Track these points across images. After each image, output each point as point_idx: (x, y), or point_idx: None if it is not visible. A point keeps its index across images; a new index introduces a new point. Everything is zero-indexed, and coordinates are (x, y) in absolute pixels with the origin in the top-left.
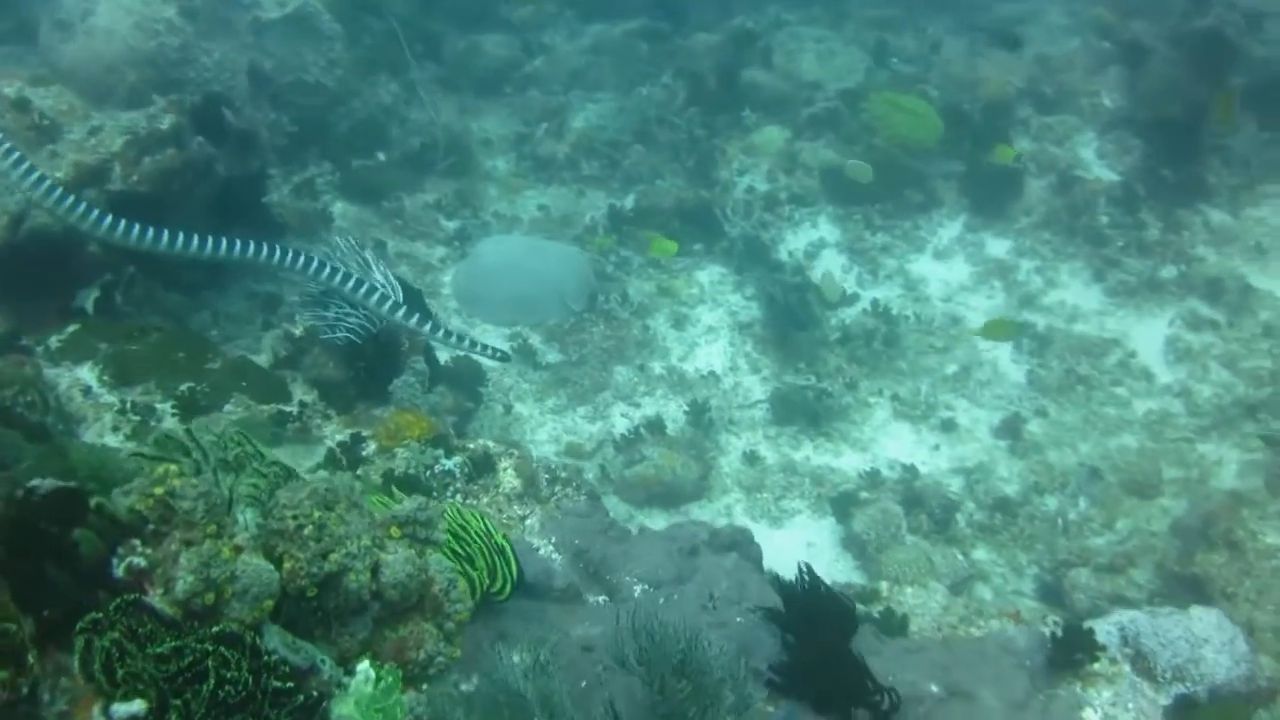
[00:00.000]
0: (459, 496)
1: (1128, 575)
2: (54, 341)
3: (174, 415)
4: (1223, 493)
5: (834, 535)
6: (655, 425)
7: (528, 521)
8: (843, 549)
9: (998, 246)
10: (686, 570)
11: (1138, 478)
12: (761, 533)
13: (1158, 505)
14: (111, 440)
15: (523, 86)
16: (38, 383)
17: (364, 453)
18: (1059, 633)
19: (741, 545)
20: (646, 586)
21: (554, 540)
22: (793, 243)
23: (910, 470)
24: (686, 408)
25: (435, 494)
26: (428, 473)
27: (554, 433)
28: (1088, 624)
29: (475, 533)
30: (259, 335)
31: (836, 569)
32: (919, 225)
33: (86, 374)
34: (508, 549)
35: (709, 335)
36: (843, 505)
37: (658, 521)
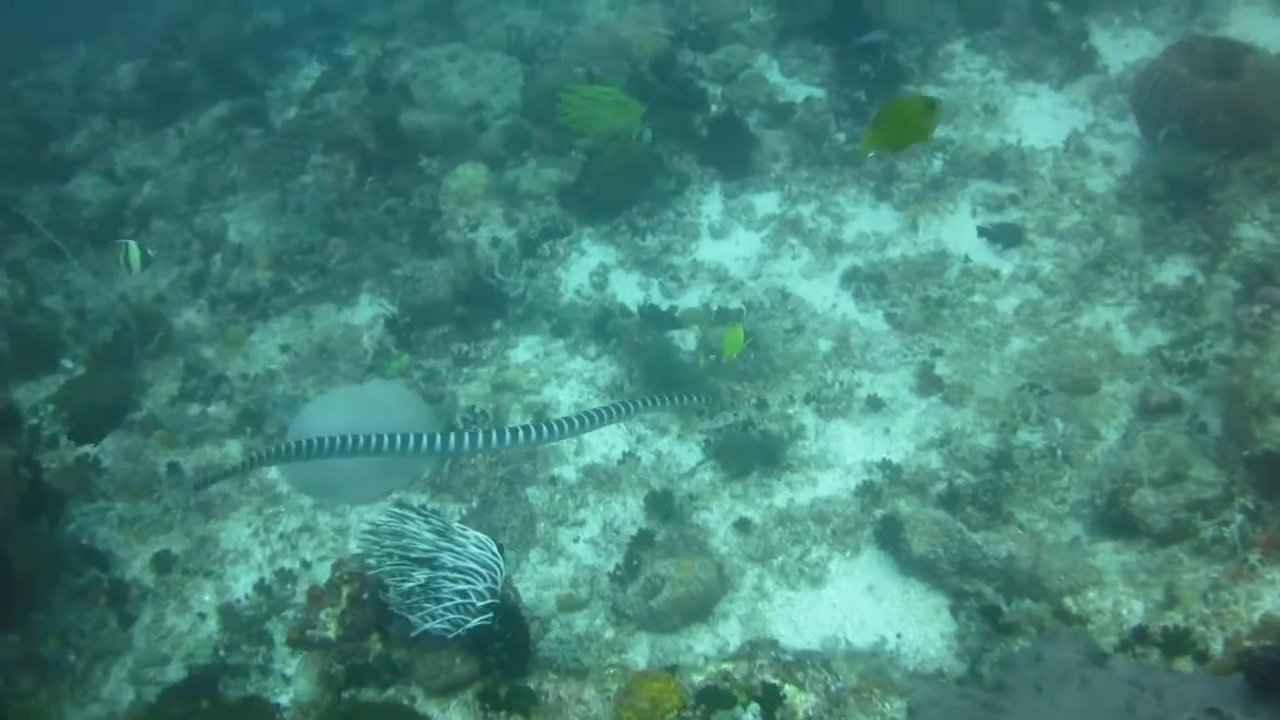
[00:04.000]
0: None
1: (1191, 478)
2: None
3: None
4: (1218, 361)
5: (887, 567)
6: (645, 539)
7: None
8: (904, 577)
9: (767, 203)
10: (1099, 697)
11: (1074, 376)
12: (808, 598)
13: (1107, 395)
14: None
15: (142, 222)
16: None
17: None
18: None
19: (1088, 643)
20: None
21: None
22: (574, 279)
23: (889, 467)
24: (643, 505)
25: None
26: None
27: (529, 597)
28: None
29: None
30: (124, 636)
31: (911, 598)
32: (681, 212)
33: None
34: None
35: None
36: (887, 533)
37: (703, 641)
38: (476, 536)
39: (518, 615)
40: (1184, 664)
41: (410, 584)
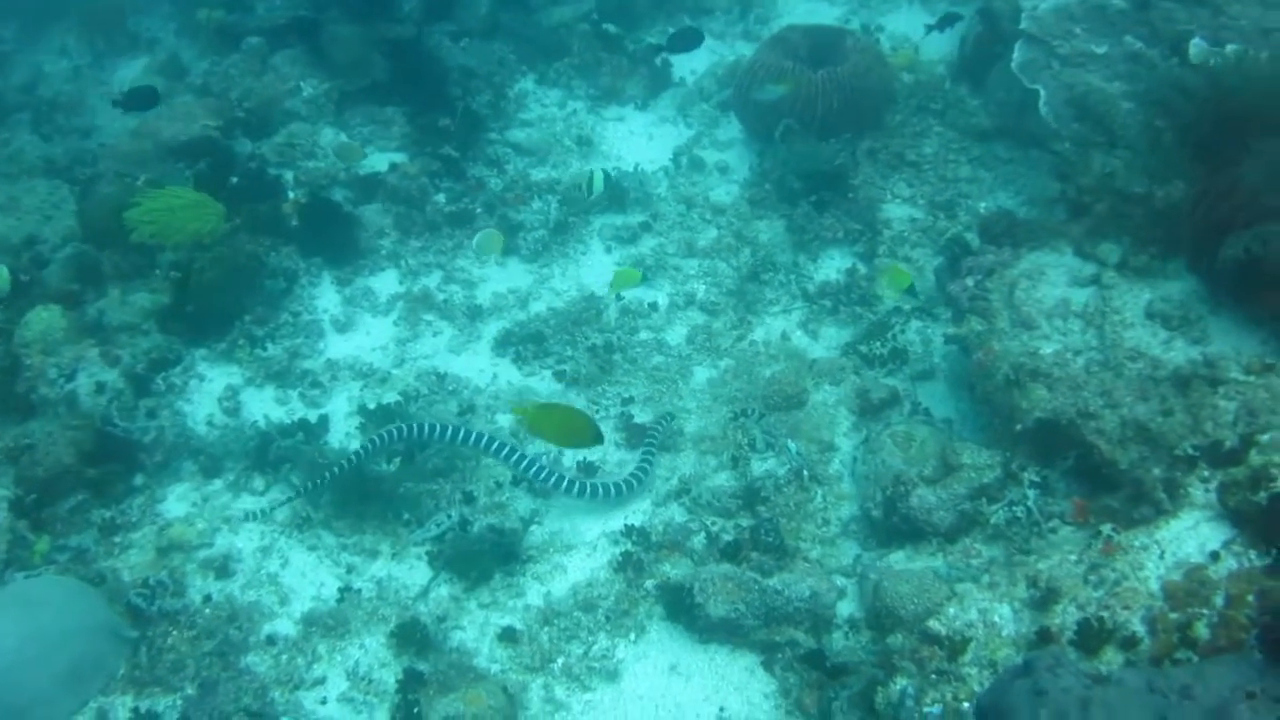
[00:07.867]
0: None
1: (964, 465)
2: None
3: None
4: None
5: (682, 639)
6: (415, 679)
7: None
8: (704, 645)
9: (386, 283)
10: (1129, 715)
11: (781, 392)
12: (608, 696)
13: (818, 404)
14: None
15: None
16: None
17: None
18: None
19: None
20: None
21: None
22: (202, 409)
23: (635, 531)
24: (386, 642)
25: None
26: None
27: None
28: None
29: None
30: None
31: (718, 665)
32: (297, 312)
33: None
34: None
35: (267, 555)
36: (675, 602)
37: None
38: None
39: None
40: (1111, 655)
41: None
